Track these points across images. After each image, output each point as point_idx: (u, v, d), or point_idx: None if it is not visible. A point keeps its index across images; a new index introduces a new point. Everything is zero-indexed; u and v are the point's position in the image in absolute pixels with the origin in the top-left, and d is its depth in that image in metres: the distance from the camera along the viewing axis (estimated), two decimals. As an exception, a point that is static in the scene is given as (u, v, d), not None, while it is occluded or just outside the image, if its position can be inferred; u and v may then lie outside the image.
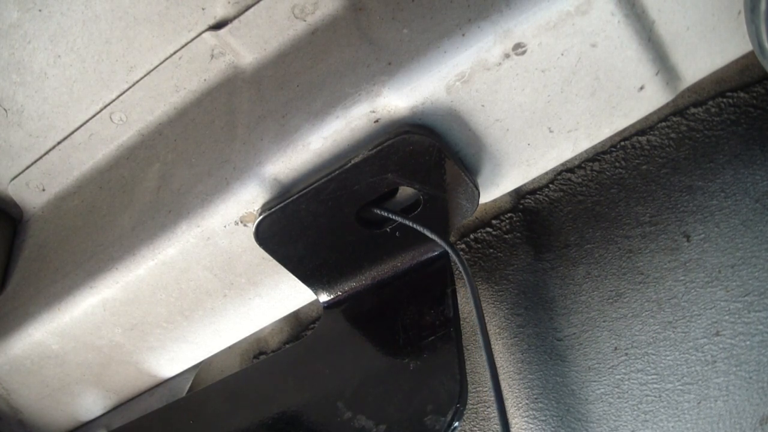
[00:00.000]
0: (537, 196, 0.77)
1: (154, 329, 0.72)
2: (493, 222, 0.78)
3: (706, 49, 0.56)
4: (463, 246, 0.79)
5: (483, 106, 0.56)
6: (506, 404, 0.69)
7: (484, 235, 0.78)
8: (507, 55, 0.53)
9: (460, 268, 0.59)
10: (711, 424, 0.59)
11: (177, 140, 0.71)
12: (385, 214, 0.60)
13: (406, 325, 0.60)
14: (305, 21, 0.66)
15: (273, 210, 0.59)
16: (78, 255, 0.72)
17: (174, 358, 0.75)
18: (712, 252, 0.64)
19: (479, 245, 0.78)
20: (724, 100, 0.69)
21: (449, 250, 0.60)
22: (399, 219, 0.60)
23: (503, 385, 0.70)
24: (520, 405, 0.68)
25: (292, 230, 0.60)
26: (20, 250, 0.82)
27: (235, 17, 0.67)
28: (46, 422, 0.81)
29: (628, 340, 0.65)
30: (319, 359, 0.64)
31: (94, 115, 0.75)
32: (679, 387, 0.61)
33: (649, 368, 0.63)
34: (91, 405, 0.79)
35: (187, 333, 0.72)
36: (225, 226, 0.62)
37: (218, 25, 0.68)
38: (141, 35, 0.70)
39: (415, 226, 0.59)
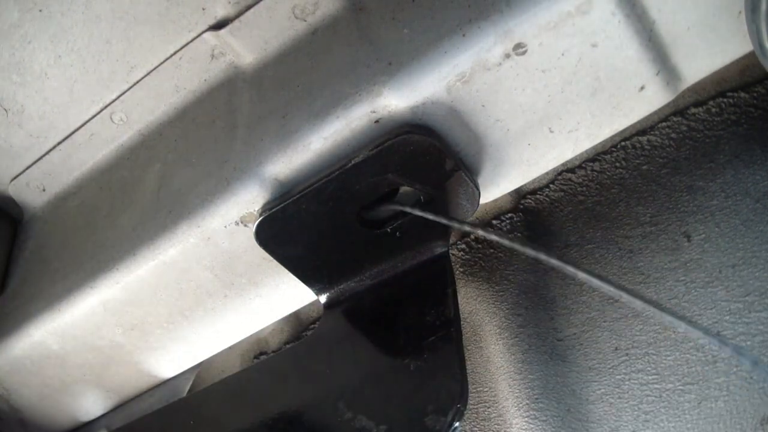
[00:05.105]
0: (537, 196, 0.77)
1: (155, 329, 0.72)
2: (494, 222, 0.78)
3: (707, 49, 0.56)
4: (464, 246, 0.79)
5: (483, 106, 0.56)
6: (507, 404, 0.69)
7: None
8: (507, 55, 0.53)
9: (496, 238, 0.57)
10: (711, 424, 0.59)
11: (177, 140, 0.71)
12: (397, 207, 0.59)
13: (406, 326, 0.60)
14: (305, 21, 0.66)
15: (273, 210, 0.59)
16: (78, 255, 0.72)
17: (174, 358, 0.75)
18: (713, 252, 0.64)
19: (480, 245, 0.78)
20: (725, 100, 0.69)
21: (470, 229, 0.59)
22: (415, 212, 0.59)
23: (503, 385, 0.70)
24: (520, 405, 0.68)
25: (293, 230, 0.60)
26: (21, 250, 0.82)
27: (235, 17, 0.67)
28: (46, 422, 0.81)
29: (628, 340, 0.65)
30: (319, 359, 0.64)
31: (94, 116, 0.75)
32: (680, 387, 0.61)
33: (649, 368, 0.63)
34: (92, 405, 0.79)
35: (187, 333, 0.72)
36: (225, 227, 0.62)
37: (218, 25, 0.68)
38: (141, 35, 0.70)
39: (427, 215, 0.58)
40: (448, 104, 0.55)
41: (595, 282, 0.48)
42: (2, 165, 0.80)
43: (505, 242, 0.56)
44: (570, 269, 0.50)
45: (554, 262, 0.51)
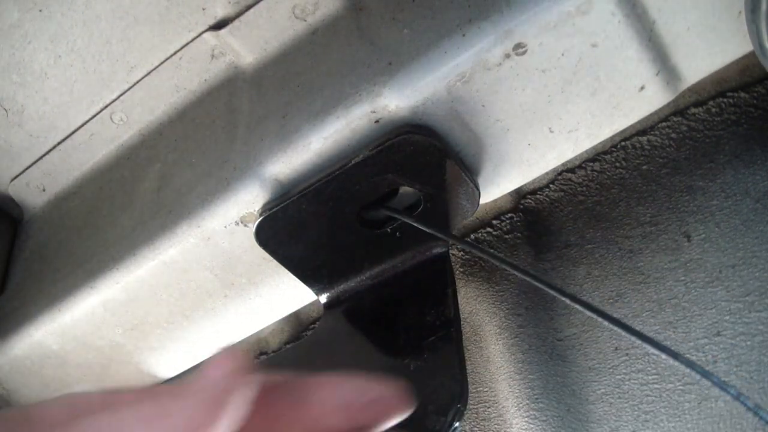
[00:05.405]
0: (537, 196, 0.77)
1: (155, 329, 0.72)
2: (494, 222, 0.78)
3: (707, 50, 0.56)
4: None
5: (483, 106, 0.56)
6: (507, 404, 0.69)
7: (485, 235, 0.78)
8: (508, 55, 0.53)
9: (468, 249, 0.57)
10: (712, 424, 0.59)
11: (177, 140, 0.71)
12: (390, 213, 0.60)
13: (406, 326, 0.60)
14: (305, 21, 0.66)
15: (273, 210, 0.59)
16: (78, 255, 0.72)
17: (174, 358, 0.75)
18: (713, 252, 0.64)
19: (480, 245, 0.78)
20: (725, 100, 0.69)
21: (455, 242, 0.60)
22: (403, 218, 0.59)
23: (503, 385, 0.70)
24: (520, 405, 0.68)
25: (293, 231, 0.60)
26: (21, 250, 0.82)
27: (235, 17, 0.67)
28: (46, 422, 0.80)
29: (628, 340, 0.65)
30: (319, 359, 0.64)
31: (94, 116, 0.75)
32: (680, 387, 0.61)
33: (649, 368, 0.63)
34: (92, 405, 0.79)
35: (187, 333, 0.72)
36: (225, 227, 0.62)
37: (218, 25, 0.68)
38: (141, 35, 0.70)
39: (417, 224, 0.59)
40: (448, 104, 0.55)
41: (567, 301, 0.50)
42: (2, 165, 0.80)
43: (485, 256, 0.56)
44: (543, 287, 0.51)
45: (539, 285, 0.52)
